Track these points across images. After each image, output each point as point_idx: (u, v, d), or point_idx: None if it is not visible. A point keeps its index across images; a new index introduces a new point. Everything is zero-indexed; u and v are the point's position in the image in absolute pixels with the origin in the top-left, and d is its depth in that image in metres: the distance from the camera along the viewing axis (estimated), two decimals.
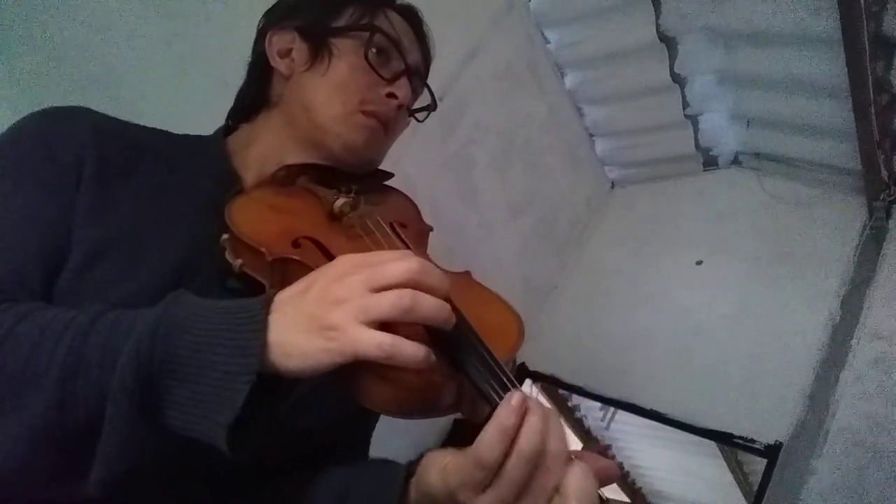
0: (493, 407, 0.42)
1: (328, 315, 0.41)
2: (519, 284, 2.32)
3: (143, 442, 0.42)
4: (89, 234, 0.54)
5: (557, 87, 2.24)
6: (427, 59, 0.78)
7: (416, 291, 0.42)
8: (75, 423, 0.42)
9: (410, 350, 0.40)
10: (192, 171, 0.65)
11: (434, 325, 0.43)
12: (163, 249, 0.56)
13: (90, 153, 0.57)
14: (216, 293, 0.49)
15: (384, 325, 0.41)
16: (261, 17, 0.76)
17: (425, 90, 0.79)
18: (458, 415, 0.48)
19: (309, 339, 0.41)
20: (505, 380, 0.45)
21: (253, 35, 0.77)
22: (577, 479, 0.40)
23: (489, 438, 0.40)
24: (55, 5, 1.08)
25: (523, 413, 0.41)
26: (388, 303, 0.41)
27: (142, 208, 0.58)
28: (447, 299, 0.44)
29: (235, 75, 0.79)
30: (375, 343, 0.40)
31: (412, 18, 0.75)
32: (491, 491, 0.40)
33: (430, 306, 0.42)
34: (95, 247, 0.54)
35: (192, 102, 1.19)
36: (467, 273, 0.65)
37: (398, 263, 0.43)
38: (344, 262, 0.44)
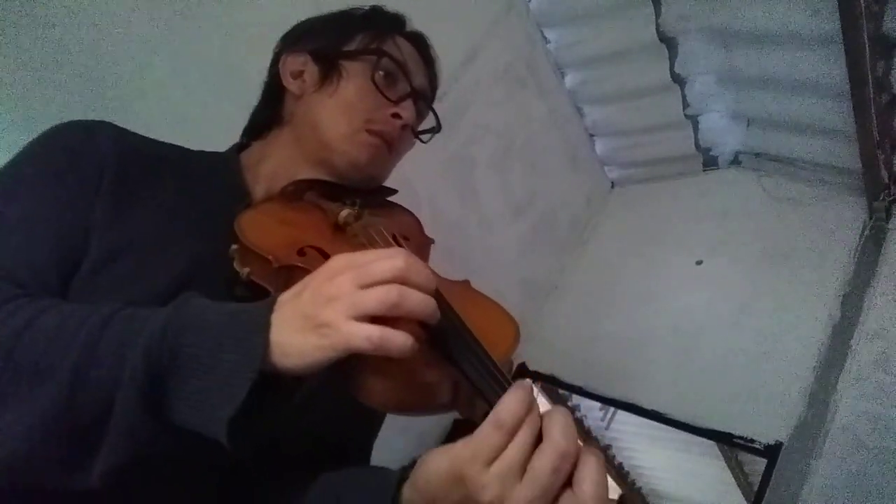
0: (489, 404, 0.44)
1: (321, 313, 0.43)
2: (519, 284, 2.32)
3: (148, 434, 0.43)
4: (104, 238, 0.57)
5: (557, 87, 2.24)
6: (433, 83, 0.82)
7: (403, 286, 0.44)
8: (85, 413, 0.43)
9: (399, 340, 0.42)
10: (205, 185, 0.68)
11: (421, 319, 0.45)
12: (173, 256, 0.59)
13: (110, 163, 0.61)
14: (224, 301, 0.50)
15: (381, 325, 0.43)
16: (277, 41, 0.79)
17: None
18: (458, 415, 0.49)
19: (304, 338, 0.43)
20: (501, 378, 0.47)
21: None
22: (593, 467, 0.42)
23: (507, 402, 0.43)
24: (55, 6, 1.08)
25: (532, 390, 0.44)
26: (376, 298, 0.43)
27: (155, 217, 0.61)
28: (437, 297, 0.46)
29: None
30: (364, 335, 0.42)
31: (420, 44, 0.79)
32: (499, 460, 0.42)
33: (417, 300, 0.44)
34: (109, 250, 0.57)
35: (191, 103, 1.20)
36: (466, 281, 0.67)
37: (386, 261, 0.45)
38: (336, 262, 0.46)
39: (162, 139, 0.73)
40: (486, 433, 0.42)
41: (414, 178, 1.73)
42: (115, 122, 0.68)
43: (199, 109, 1.17)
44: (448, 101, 1.81)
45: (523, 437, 0.42)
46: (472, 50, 1.87)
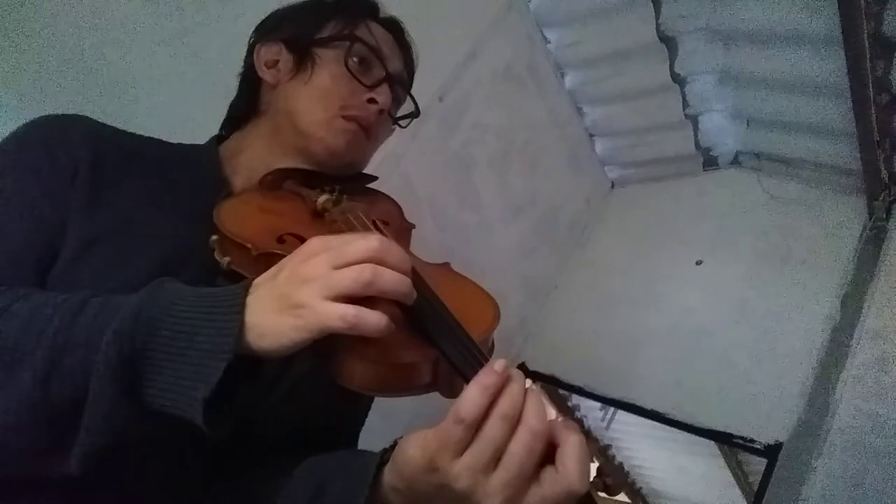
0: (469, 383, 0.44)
1: (296, 293, 0.43)
2: (519, 284, 2.32)
3: (124, 418, 0.43)
4: (82, 229, 0.57)
5: (557, 87, 2.24)
6: (410, 68, 0.81)
7: (377, 266, 0.44)
8: (61, 398, 0.43)
9: (373, 319, 0.42)
10: (184, 177, 0.67)
11: (395, 298, 0.45)
12: (151, 247, 0.59)
13: (86, 155, 0.61)
14: None
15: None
16: (251, 32, 0.79)
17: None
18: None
19: (280, 318, 0.43)
20: (480, 357, 0.47)
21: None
22: (574, 444, 0.42)
23: (468, 394, 0.42)
24: (54, 6, 1.08)
25: (505, 377, 0.43)
26: (350, 277, 0.43)
27: (133, 207, 0.61)
28: (414, 277, 0.47)
29: (234, 76, 0.80)
30: (339, 315, 0.42)
31: (394, 29, 0.79)
32: (468, 452, 0.41)
33: (391, 279, 0.44)
34: (86, 240, 0.57)
35: (190, 102, 1.20)
36: (447, 264, 0.67)
37: (360, 242, 0.45)
38: (312, 244, 0.47)
39: (162, 138, 0.73)
40: (448, 428, 0.42)
41: (414, 178, 1.73)
42: (115, 122, 0.68)
43: (199, 108, 1.17)
44: (448, 101, 1.81)
45: (494, 429, 0.41)
46: (472, 50, 1.87)
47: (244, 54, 0.79)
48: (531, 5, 2.04)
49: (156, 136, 0.73)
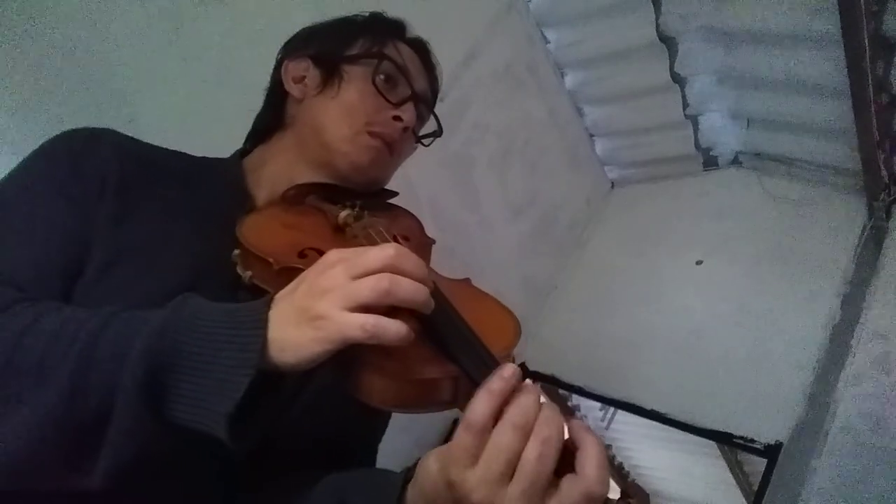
0: None
1: (315, 305, 0.43)
2: (519, 284, 2.32)
3: (149, 434, 0.43)
4: (107, 242, 0.58)
5: (557, 87, 2.24)
6: (434, 87, 0.83)
7: (394, 275, 0.44)
8: (86, 414, 0.43)
9: (394, 327, 0.42)
10: (208, 190, 0.68)
11: (414, 306, 0.45)
12: (175, 261, 0.59)
13: (113, 169, 0.61)
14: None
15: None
16: (280, 48, 0.80)
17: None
18: (458, 414, 0.49)
19: (300, 331, 0.43)
20: None
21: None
22: (593, 449, 0.42)
23: (477, 400, 0.42)
24: (55, 5, 1.08)
25: (513, 383, 0.43)
26: (368, 286, 0.43)
27: (158, 221, 0.62)
28: (433, 292, 0.46)
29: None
30: (358, 325, 0.42)
31: (421, 49, 0.80)
32: (480, 463, 0.42)
33: (408, 287, 0.44)
34: (111, 254, 0.57)
35: (192, 101, 1.20)
36: (467, 279, 0.67)
37: (377, 252, 0.45)
38: (329, 256, 0.47)
39: (163, 141, 0.73)
40: (459, 436, 0.42)
41: (414, 178, 1.73)
42: (115, 125, 0.68)
43: (200, 110, 1.17)
44: (448, 101, 1.81)
45: (504, 438, 0.41)
46: (472, 50, 1.87)
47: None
48: (531, 5, 2.04)
49: (155, 139, 0.73)
